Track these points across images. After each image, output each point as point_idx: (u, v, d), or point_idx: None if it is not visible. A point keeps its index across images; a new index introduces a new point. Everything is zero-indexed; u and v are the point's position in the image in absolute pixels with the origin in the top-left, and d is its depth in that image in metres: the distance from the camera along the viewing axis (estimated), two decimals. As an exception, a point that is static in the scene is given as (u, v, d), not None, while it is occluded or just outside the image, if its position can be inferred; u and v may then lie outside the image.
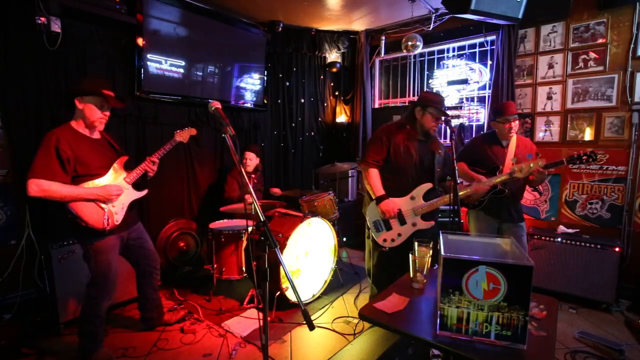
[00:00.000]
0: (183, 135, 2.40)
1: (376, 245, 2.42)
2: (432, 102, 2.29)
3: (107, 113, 2.08)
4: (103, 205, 2.04)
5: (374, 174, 2.38)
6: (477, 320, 1.12)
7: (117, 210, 2.10)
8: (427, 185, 2.32)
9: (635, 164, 2.95)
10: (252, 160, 3.49)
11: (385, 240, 2.37)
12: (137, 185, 2.23)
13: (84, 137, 2.05)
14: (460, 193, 2.18)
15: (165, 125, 3.41)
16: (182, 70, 3.42)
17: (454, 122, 3.95)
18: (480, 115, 3.88)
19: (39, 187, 1.82)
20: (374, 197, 2.37)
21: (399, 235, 2.34)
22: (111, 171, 2.12)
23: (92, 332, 2.12)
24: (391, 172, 2.37)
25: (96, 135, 2.14)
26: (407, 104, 4.40)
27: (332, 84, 4.91)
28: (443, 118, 2.27)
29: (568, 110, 3.25)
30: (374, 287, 2.56)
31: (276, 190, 3.78)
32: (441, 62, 4.15)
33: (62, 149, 1.90)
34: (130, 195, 2.19)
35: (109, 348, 2.22)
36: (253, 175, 3.58)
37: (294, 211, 3.05)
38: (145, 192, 2.26)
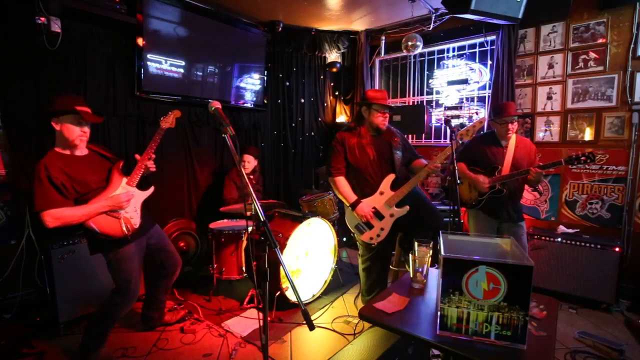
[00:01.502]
0: (168, 121, 2.35)
1: (365, 244, 2.53)
2: (375, 99, 2.43)
3: (86, 129, 2.01)
4: (116, 215, 2.03)
5: (341, 182, 2.50)
6: (477, 320, 1.12)
7: (131, 215, 2.10)
8: (391, 177, 2.43)
9: (635, 164, 2.95)
10: (250, 162, 3.50)
11: (371, 238, 2.47)
12: (141, 185, 2.22)
13: (72, 157, 2.01)
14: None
15: (165, 125, 3.41)
16: (182, 70, 3.42)
17: (454, 122, 3.95)
18: (480, 115, 3.88)
19: (53, 217, 1.83)
20: (347, 204, 2.49)
21: (382, 229, 2.44)
22: (112, 180, 2.11)
23: (101, 333, 2.14)
24: (355, 175, 2.49)
25: (83, 152, 2.08)
26: (407, 104, 4.41)
27: (332, 84, 4.91)
28: (388, 111, 2.44)
29: (568, 110, 3.25)
30: (366, 280, 2.63)
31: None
32: (441, 62, 4.15)
33: (54, 176, 1.87)
34: (139, 196, 2.18)
35: (109, 347, 2.22)
36: (252, 177, 3.59)
37: (293, 211, 3.05)
38: (151, 189, 2.25)
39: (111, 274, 2.10)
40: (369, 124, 2.48)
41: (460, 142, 2.25)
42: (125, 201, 2.04)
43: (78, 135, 1.98)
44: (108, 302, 2.13)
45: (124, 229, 2.03)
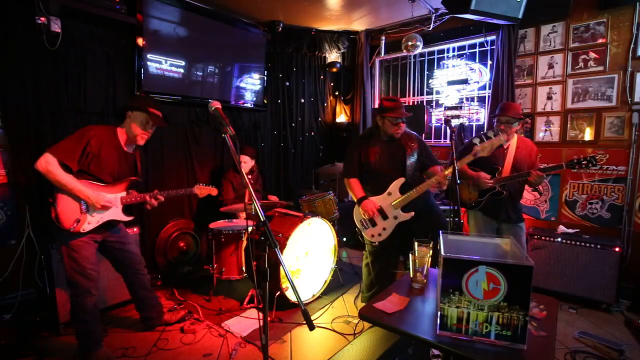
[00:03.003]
0: (202, 191, 2.48)
1: (368, 241, 2.60)
2: (389, 109, 2.43)
3: (149, 131, 2.20)
4: (84, 208, 2.05)
5: (354, 182, 2.61)
6: (477, 320, 1.12)
7: (91, 221, 2.08)
8: (400, 180, 2.46)
9: (635, 164, 2.95)
10: (246, 163, 3.50)
11: (372, 235, 2.53)
12: (128, 209, 2.24)
13: (118, 145, 2.16)
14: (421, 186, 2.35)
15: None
16: (182, 70, 3.42)
17: (454, 122, 3.95)
18: (480, 115, 3.88)
19: (47, 167, 1.91)
20: (355, 200, 2.56)
21: (384, 229, 2.49)
22: (116, 185, 2.16)
23: (86, 331, 2.11)
24: (370, 178, 2.56)
25: (131, 149, 2.23)
26: (407, 104, 4.40)
27: (332, 84, 4.91)
28: (404, 119, 2.44)
29: (568, 110, 3.25)
30: (367, 276, 2.67)
31: (274, 198, 3.77)
32: (441, 62, 4.15)
33: (91, 145, 2.01)
34: (114, 214, 2.17)
35: (109, 348, 2.22)
36: (249, 177, 3.58)
37: (293, 211, 3.05)
38: (130, 218, 2.26)
39: (63, 261, 2.09)
40: (383, 132, 2.51)
41: (477, 156, 2.23)
42: (101, 204, 2.06)
43: (140, 133, 2.17)
44: (70, 296, 2.11)
45: (73, 224, 2.02)
